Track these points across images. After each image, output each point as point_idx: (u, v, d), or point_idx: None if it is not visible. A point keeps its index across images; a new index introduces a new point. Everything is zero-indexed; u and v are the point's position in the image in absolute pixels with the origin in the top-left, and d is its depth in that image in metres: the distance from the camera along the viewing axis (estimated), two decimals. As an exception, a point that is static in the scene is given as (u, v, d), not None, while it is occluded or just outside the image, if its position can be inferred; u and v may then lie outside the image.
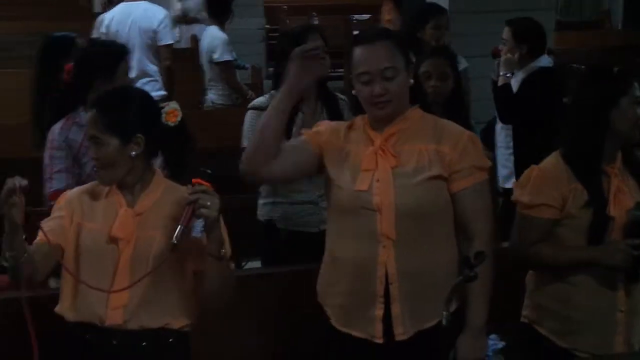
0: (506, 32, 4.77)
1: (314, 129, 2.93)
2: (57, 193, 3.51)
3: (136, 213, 2.71)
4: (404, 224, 2.72)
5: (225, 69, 6.98)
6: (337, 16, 11.66)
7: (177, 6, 9.17)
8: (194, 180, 2.57)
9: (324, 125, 2.94)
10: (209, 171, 2.61)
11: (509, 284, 3.13)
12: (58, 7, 11.55)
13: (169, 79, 6.53)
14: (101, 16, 8.55)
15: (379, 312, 2.75)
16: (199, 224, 3.06)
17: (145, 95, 2.84)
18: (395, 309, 2.75)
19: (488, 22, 5.19)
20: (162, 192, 2.75)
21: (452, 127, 2.88)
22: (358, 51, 2.78)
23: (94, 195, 2.79)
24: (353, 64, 2.79)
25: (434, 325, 2.75)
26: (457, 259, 2.81)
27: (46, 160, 3.72)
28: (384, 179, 2.73)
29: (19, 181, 2.45)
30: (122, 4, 6.61)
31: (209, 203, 2.52)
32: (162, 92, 6.55)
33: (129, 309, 2.66)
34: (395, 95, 2.76)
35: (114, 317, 2.66)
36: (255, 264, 4.24)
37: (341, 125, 2.92)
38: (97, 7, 9.87)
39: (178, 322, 2.74)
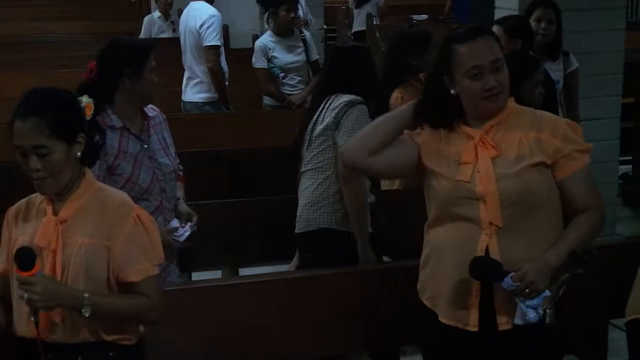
0: (497, 30, 4.63)
1: (413, 132, 2.91)
2: None
3: (60, 220, 2.54)
4: (508, 212, 2.68)
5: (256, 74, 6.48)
6: (396, 17, 11.54)
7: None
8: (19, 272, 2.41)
9: (424, 129, 2.89)
10: (27, 246, 2.43)
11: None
12: (118, 8, 11.66)
13: (215, 81, 6.33)
14: (148, 16, 8.66)
15: (475, 299, 2.71)
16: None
17: (70, 92, 2.65)
18: (498, 297, 2.69)
19: (563, 20, 5.10)
20: (89, 197, 2.56)
21: (550, 115, 2.88)
22: (462, 49, 2.74)
23: (29, 207, 2.63)
24: (456, 62, 2.74)
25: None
26: None
27: None
28: (485, 169, 2.72)
29: None
30: (190, 3, 6.54)
31: (25, 295, 2.38)
32: (210, 94, 6.39)
33: (54, 323, 2.51)
34: (505, 86, 2.75)
35: (39, 331, 2.49)
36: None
37: (439, 129, 2.86)
38: (152, 7, 9.85)
39: (111, 335, 2.57)
